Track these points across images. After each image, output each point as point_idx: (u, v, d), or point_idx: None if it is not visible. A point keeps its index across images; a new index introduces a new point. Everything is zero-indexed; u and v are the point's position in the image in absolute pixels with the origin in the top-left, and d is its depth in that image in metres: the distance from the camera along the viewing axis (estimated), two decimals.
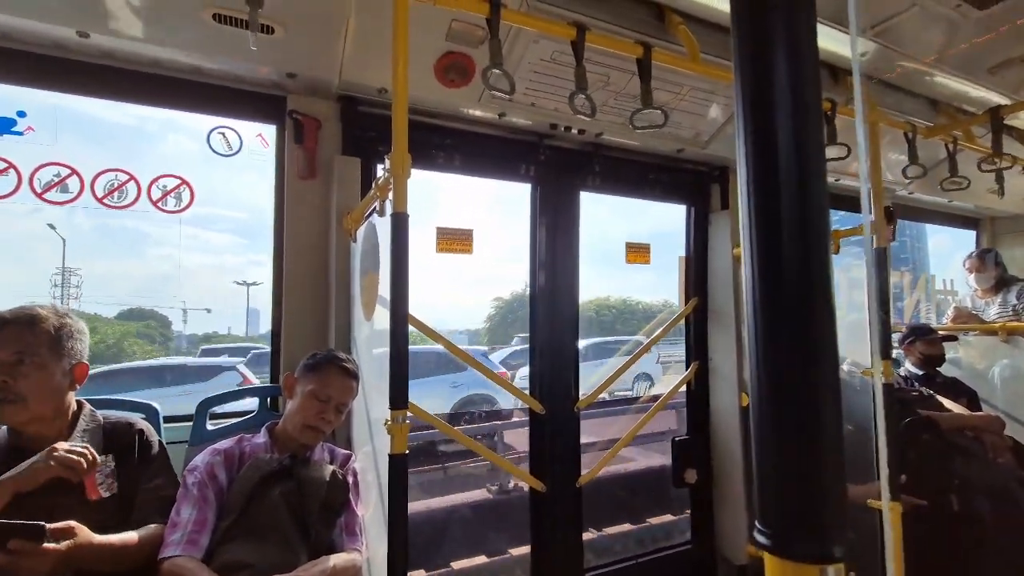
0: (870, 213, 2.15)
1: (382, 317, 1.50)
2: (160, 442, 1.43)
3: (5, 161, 1.56)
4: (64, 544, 1.09)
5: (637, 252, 2.60)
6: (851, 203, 3.14)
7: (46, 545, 1.06)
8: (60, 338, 1.26)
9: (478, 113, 2.13)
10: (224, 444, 1.48)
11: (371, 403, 1.60)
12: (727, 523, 2.63)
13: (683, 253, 2.87)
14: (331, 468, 1.48)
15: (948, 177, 2.71)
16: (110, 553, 1.18)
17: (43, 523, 1.06)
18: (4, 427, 1.27)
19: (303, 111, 1.86)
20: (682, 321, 2.82)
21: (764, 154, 0.55)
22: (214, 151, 1.82)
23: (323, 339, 1.85)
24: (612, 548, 3.09)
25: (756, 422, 0.56)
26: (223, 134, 1.83)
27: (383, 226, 1.45)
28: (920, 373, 2.77)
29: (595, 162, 2.48)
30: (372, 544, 1.47)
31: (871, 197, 2.17)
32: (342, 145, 1.95)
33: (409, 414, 1.22)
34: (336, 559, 1.34)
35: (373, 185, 1.45)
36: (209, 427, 1.69)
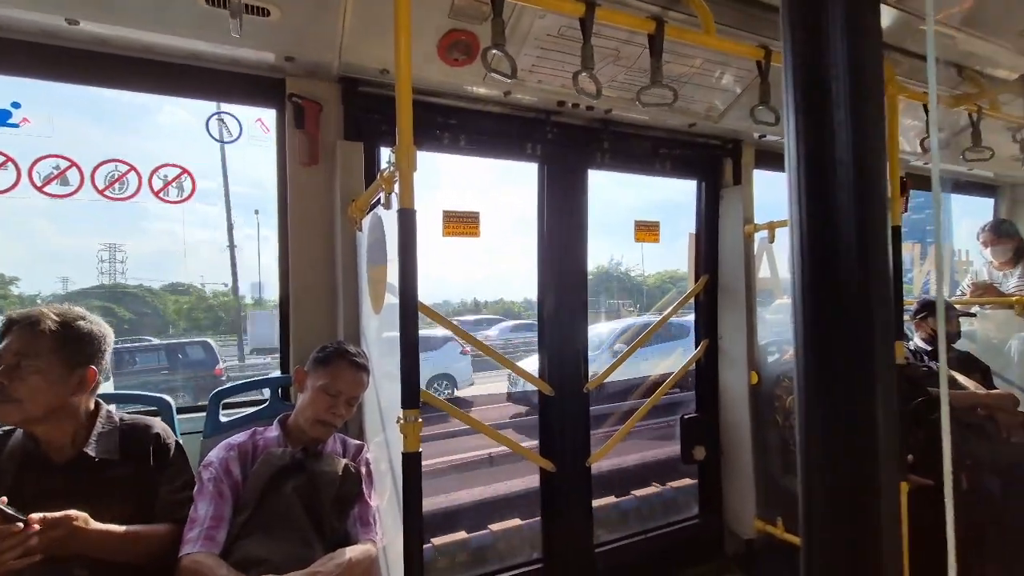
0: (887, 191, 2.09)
1: (391, 309, 1.48)
2: (177, 443, 1.44)
3: (3, 155, 1.52)
4: (56, 532, 1.11)
5: (647, 231, 2.55)
6: None
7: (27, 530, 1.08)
8: (65, 342, 1.25)
9: (483, 91, 2.05)
10: (238, 438, 1.49)
11: (382, 393, 1.60)
12: (735, 498, 2.67)
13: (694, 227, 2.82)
14: (343, 462, 1.49)
15: (971, 147, 2.61)
16: (112, 542, 1.20)
17: (25, 519, 1.08)
18: (20, 430, 1.28)
19: (303, 94, 1.80)
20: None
21: (819, 134, 0.50)
22: (214, 138, 1.78)
23: (332, 329, 1.84)
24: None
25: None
26: (222, 120, 1.79)
27: (389, 219, 1.42)
28: (930, 349, 2.74)
29: (604, 139, 2.41)
30: (389, 533, 1.49)
31: (889, 174, 2.10)
32: (344, 129, 1.90)
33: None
34: (351, 551, 1.37)
35: (378, 176, 1.41)
36: (222, 418, 1.71)
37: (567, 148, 2.35)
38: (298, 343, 1.82)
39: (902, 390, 2.25)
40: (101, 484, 1.27)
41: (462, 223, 2.09)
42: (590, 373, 2.47)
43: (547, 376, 2.37)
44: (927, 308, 2.80)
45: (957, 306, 2.97)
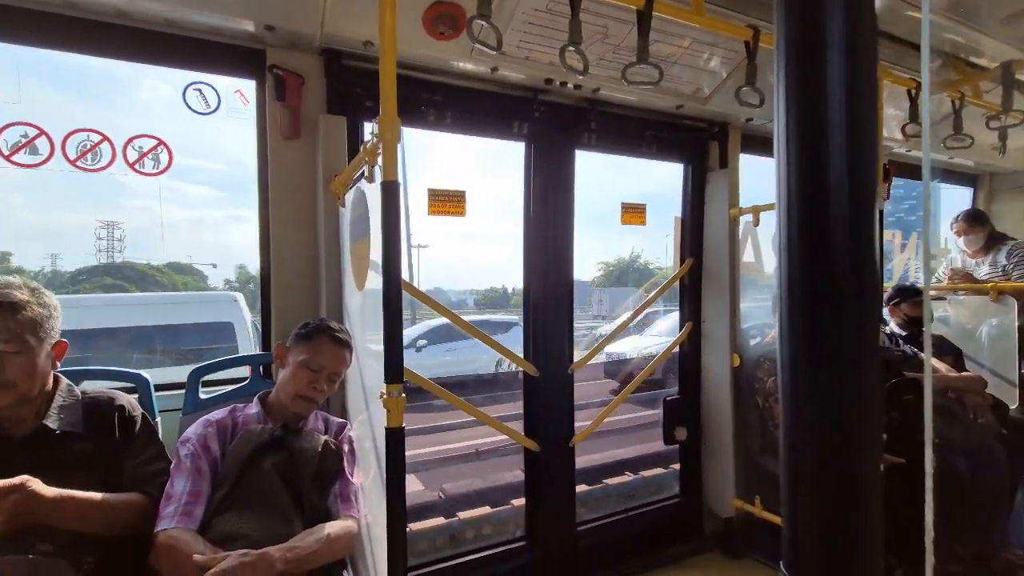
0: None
1: (374, 285, 1.46)
2: (144, 416, 1.41)
3: None
4: (16, 497, 1.08)
5: (633, 213, 2.55)
6: None
7: None
8: (43, 321, 1.22)
9: (470, 67, 2.02)
10: (217, 415, 1.47)
11: (365, 371, 1.59)
12: (714, 478, 2.72)
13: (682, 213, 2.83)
14: (323, 438, 1.48)
15: (952, 135, 2.65)
16: (72, 509, 1.16)
17: None
18: None
19: (284, 66, 1.75)
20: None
21: (813, 114, 0.49)
22: (191, 109, 1.72)
23: (314, 307, 1.81)
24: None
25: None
26: (199, 90, 1.73)
27: (373, 193, 1.39)
28: (904, 333, 2.80)
29: (591, 119, 2.39)
30: (374, 510, 1.49)
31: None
32: (327, 102, 1.85)
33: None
34: (331, 527, 1.36)
35: (361, 148, 1.39)
36: (202, 395, 1.69)
37: (554, 127, 2.33)
38: (279, 320, 1.80)
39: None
40: (64, 457, 1.24)
41: (448, 202, 2.07)
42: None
43: (532, 356, 2.37)
44: (900, 294, 2.86)
45: (932, 292, 3.03)
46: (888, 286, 3.04)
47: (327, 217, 1.77)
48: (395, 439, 1.20)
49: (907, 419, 2.24)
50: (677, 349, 2.82)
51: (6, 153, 1.51)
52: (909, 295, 2.83)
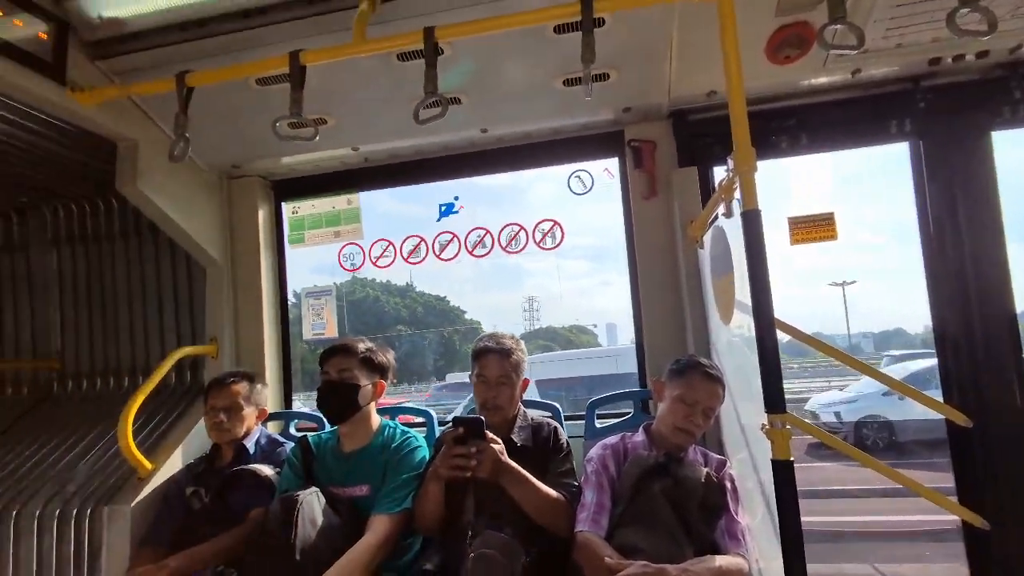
0: None
1: (741, 320, 1.48)
2: (567, 440, 1.77)
3: (451, 233, 2.30)
4: (498, 448, 1.48)
5: None
6: None
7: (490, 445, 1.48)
8: (520, 363, 1.73)
9: (823, 80, 1.88)
10: (611, 440, 1.72)
11: (741, 409, 1.58)
12: None
13: None
14: (705, 470, 1.53)
15: None
16: (518, 478, 1.51)
17: (482, 418, 1.50)
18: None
19: (639, 137, 2.04)
20: None
21: None
22: (573, 192, 2.20)
23: (681, 345, 1.93)
24: None
25: None
26: (579, 177, 2.20)
27: (731, 227, 1.44)
28: None
29: (1013, 87, 1.83)
30: (766, 555, 1.43)
31: None
32: (677, 158, 2.03)
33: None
34: (722, 560, 1.37)
35: (716, 187, 1.47)
36: (597, 424, 1.99)
37: (952, 114, 1.88)
38: (652, 359, 1.99)
39: None
40: (520, 462, 1.63)
41: (814, 227, 1.92)
42: None
43: (956, 400, 1.86)
44: None
45: None
46: None
47: (686, 260, 1.90)
48: (783, 472, 1.14)
49: None
50: None
51: (469, 249, 2.26)
52: None
